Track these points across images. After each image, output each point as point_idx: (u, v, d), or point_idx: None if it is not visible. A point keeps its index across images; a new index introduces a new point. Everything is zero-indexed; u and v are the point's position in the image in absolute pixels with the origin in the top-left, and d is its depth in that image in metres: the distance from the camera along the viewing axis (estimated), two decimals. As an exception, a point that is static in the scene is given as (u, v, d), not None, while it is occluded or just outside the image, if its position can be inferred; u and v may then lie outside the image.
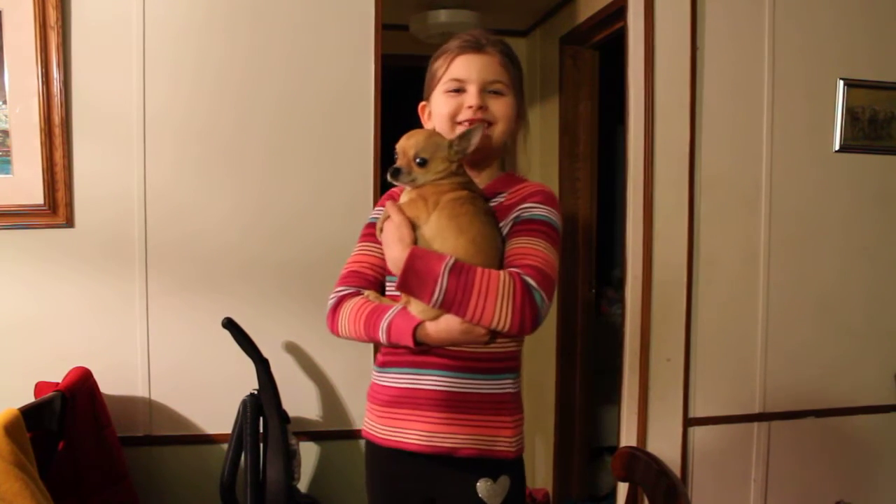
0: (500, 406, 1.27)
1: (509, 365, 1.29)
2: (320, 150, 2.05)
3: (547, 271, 1.19)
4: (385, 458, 1.32)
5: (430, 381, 1.25)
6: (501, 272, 1.17)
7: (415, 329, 1.20)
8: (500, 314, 1.15)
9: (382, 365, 1.33)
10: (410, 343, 1.21)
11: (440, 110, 1.33)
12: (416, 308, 1.21)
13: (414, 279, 1.17)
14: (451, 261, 1.17)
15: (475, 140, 1.25)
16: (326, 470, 2.08)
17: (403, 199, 1.29)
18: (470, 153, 1.28)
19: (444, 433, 1.24)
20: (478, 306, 1.15)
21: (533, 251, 1.21)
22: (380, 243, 1.32)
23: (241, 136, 2.00)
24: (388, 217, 1.27)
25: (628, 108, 2.23)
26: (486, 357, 1.26)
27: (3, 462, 1.30)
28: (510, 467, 1.29)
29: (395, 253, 1.23)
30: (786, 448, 2.33)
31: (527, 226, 1.25)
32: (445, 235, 1.21)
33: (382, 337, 1.24)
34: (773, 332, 2.31)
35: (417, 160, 1.25)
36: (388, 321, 1.23)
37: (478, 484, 1.26)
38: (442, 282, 1.15)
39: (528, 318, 1.16)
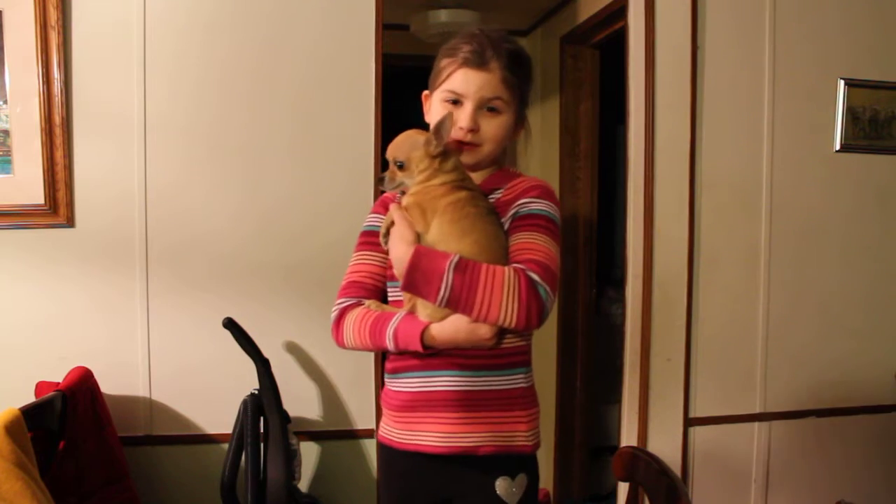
0: (514, 401, 1.27)
1: (520, 359, 1.29)
2: (319, 151, 2.04)
3: (549, 265, 1.20)
4: (402, 461, 1.31)
5: (443, 382, 1.25)
6: (506, 268, 1.17)
7: (422, 333, 1.20)
8: (507, 310, 1.15)
9: (393, 371, 1.33)
10: (419, 347, 1.21)
11: (436, 116, 1.32)
12: (424, 311, 1.21)
13: (419, 277, 1.17)
14: (456, 258, 1.17)
15: (446, 130, 1.24)
16: (327, 469, 2.08)
17: (403, 203, 1.28)
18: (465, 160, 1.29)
19: (462, 433, 1.24)
20: (483, 303, 1.15)
21: (534, 246, 1.21)
22: (377, 250, 1.32)
23: (240, 136, 2.00)
24: (391, 222, 1.27)
25: (629, 108, 2.23)
26: (496, 353, 1.25)
27: (4, 462, 1.30)
28: (527, 464, 1.30)
29: (399, 252, 1.22)
30: (786, 448, 2.33)
31: (526, 221, 1.25)
32: (448, 240, 1.21)
33: (390, 344, 1.23)
34: (774, 332, 2.30)
35: (397, 164, 1.26)
36: (393, 328, 1.23)
37: (496, 483, 1.26)
38: (447, 279, 1.15)
39: (535, 313, 1.16)
